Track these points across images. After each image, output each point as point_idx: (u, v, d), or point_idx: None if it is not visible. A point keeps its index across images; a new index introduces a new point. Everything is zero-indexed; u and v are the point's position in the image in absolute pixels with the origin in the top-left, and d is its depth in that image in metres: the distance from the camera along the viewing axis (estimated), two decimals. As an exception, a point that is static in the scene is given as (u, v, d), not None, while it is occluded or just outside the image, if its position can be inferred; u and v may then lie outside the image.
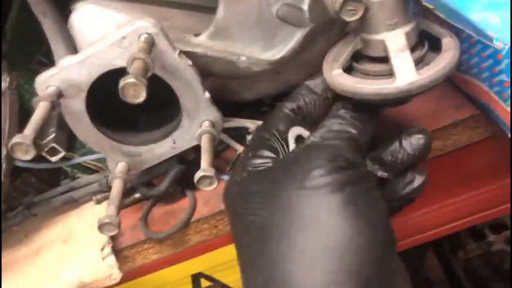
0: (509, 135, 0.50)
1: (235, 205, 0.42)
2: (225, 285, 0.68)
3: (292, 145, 0.44)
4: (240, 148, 0.58)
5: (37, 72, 0.48)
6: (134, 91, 0.40)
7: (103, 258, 0.58)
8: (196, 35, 0.54)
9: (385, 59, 0.42)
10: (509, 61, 0.44)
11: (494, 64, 0.45)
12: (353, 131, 0.41)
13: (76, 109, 0.50)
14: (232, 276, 0.66)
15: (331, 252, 0.34)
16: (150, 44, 0.46)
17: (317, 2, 0.51)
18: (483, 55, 0.47)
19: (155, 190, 0.60)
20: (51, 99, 0.46)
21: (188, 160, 0.60)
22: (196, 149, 0.59)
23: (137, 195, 0.63)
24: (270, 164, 0.42)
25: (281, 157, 0.42)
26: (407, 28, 0.41)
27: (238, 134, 0.61)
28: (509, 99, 0.47)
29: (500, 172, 0.63)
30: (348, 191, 0.36)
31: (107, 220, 0.47)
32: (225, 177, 0.61)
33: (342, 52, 0.45)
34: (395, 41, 0.41)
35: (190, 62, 0.49)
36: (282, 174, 0.40)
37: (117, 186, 0.52)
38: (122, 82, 0.39)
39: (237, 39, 0.54)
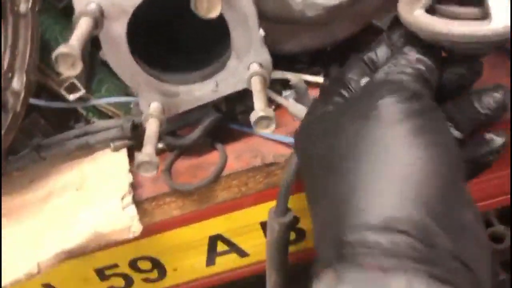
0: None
1: (304, 146, 0.39)
2: (242, 250, 0.63)
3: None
4: (284, 102, 0.54)
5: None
6: (208, 3, 0.35)
7: (123, 208, 0.52)
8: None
9: (474, 0, 0.39)
10: None
11: None
12: (421, 67, 0.39)
13: (116, 33, 0.45)
14: (252, 241, 0.62)
15: (403, 181, 0.32)
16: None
17: None
18: None
19: (185, 139, 0.55)
20: (93, 15, 0.41)
21: (221, 110, 0.56)
22: (229, 100, 0.55)
23: (160, 145, 0.57)
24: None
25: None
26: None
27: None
28: None
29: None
30: (416, 121, 0.34)
31: (146, 159, 0.43)
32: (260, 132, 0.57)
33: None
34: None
35: (250, -8, 0.45)
36: (348, 109, 0.38)
37: (152, 126, 0.47)
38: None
39: (294, -21, 0.50)
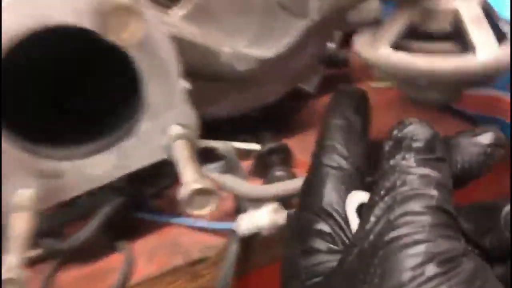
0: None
1: None
2: None
3: (354, 222, 0.27)
4: (216, 176, 0.41)
5: None
6: (123, 25, 0.23)
7: None
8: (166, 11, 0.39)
9: (447, 35, 0.33)
10: None
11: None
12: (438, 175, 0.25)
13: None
14: None
15: None
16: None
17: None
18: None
19: (71, 240, 0.39)
20: None
21: (125, 193, 0.41)
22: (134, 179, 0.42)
23: (35, 251, 0.40)
24: (330, 264, 0.25)
25: (341, 245, 0.26)
26: (479, -3, 0.33)
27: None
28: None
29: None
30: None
31: (10, 275, 0.27)
32: (177, 220, 0.43)
33: (387, 29, 0.34)
34: (469, 10, 0.32)
35: (167, 31, 0.34)
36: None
37: (20, 223, 0.32)
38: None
39: (220, 26, 0.40)
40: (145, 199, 0.44)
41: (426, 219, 0.22)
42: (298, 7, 0.41)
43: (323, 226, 0.26)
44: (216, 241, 0.41)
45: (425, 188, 0.23)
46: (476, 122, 0.48)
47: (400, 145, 0.25)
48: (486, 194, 0.57)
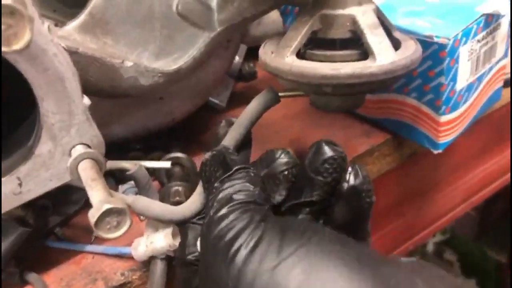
0: (434, 151, 0.47)
1: None
2: None
3: None
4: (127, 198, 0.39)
5: None
6: (10, 28, 0.21)
7: None
8: (58, 24, 0.37)
9: (346, 42, 0.34)
10: (450, 60, 0.42)
11: (432, 67, 0.42)
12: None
13: None
14: None
15: None
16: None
17: (228, 0, 0.41)
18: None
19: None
20: None
21: (28, 223, 0.38)
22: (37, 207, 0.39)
23: None
24: None
25: None
26: (373, 5, 0.35)
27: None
28: (444, 106, 0.44)
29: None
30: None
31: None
32: (91, 248, 0.40)
33: (291, 37, 0.35)
34: (366, 17, 0.34)
35: (63, 45, 0.32)
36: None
37: None
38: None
39: (120, 37, 0.39)
40: (52, 228, 0.41)
41: (231, 216, 0.29)
42: (200, 19, 0.41)
43: None
44: (135, 263, 0.39)
45: (226, 195, 0.30)
46: (381, 125, 0.51)
47: (210, 183, 0.32)
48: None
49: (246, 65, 0.63)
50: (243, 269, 0.27)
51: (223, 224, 0.29)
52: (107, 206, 0.27)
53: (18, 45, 0.22)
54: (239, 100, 0.60)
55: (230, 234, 0.28)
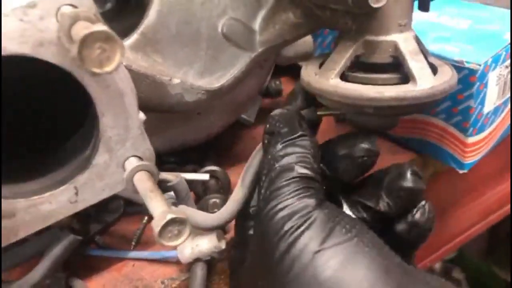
0: (460, 171, 0.49)
1: None
2: None
3: None
4: None
5: None
6: (104, 52, 0.23)
7: None
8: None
9: (388, 66, 0.36)
10: (480, 84, 0.44)
11: (462, 90, 0.44)
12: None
13: None
14: None
15: None
16: (74, 20, 0.30)
17: (270, 23, 0.43)
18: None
19: (20, 283, 0.37)
20: None
21: (75, 230, 0.40)
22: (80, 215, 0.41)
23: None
24: None
25: None
26: (413, 32, 0.37)
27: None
28: (471, 128, 0.46)
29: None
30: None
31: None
32: (133, 254, 0.42)
33: (335, 60, 0.37)
34: (407, 44, 0.36)
35: (124, 63, 0.34)
36: None
37: None
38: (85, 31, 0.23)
39: (168, 56, 0.41)
40: (92, 235, 0.43)
41: (288, 189, 0.31)
42: (243, 40, 0.43)
43: None
44: (175, 271, 0.41)
45: (289, 164, 0.32)
46: (406, 144, 0.53)
47: (272, 136, 0.33)
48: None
49: (273, 82, 0.65)
50: (289, 248, 0.29)
51: (280, 198, 0.31)
52: (170, 216, 0.29)
53: (109, 67, 0.24)
54: (265, 116, 0.62)
55: (284, 213, 0.30)
